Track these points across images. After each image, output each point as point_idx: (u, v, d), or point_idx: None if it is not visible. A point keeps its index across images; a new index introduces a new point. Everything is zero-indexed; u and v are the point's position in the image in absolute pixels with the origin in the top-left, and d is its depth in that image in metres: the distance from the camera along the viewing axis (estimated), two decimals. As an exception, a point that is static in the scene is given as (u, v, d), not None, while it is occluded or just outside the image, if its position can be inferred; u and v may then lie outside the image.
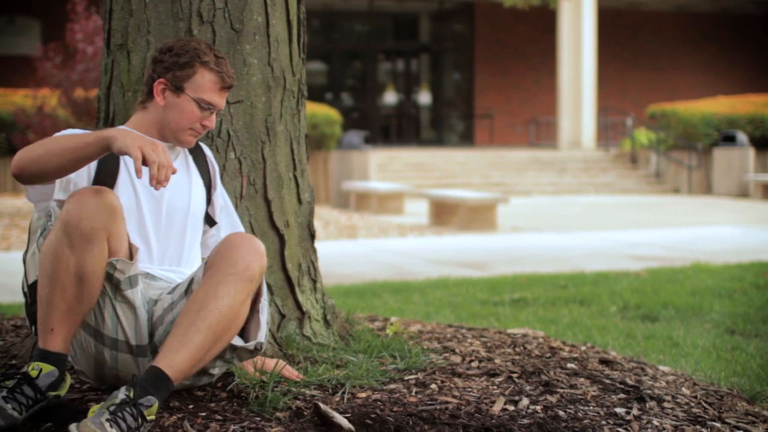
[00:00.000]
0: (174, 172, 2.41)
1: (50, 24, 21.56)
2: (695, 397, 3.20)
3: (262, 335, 2.70)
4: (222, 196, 3.00)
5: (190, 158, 2.87)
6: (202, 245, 2.97)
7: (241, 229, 3.05)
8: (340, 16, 28.60)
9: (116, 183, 2.68)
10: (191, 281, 2.63)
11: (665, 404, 3.03)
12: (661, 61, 29.21)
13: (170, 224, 2.76)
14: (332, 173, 17.17)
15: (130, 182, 2.71)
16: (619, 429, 2.73)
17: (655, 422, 2.82)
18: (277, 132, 3.35)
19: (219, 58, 2.70)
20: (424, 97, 29.30)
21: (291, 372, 2.96)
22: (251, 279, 2.57)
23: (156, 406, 2.37)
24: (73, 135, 2.49)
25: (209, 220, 2.95)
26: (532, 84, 28.08)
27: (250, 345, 2.67)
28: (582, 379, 3.20)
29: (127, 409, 2.29)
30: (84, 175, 2.63)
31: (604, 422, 2.77)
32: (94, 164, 2.64)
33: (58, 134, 2.52)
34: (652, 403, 3.00)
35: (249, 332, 2.69)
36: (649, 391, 3.10)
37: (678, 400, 3.10)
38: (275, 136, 3.34)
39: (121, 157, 2.68)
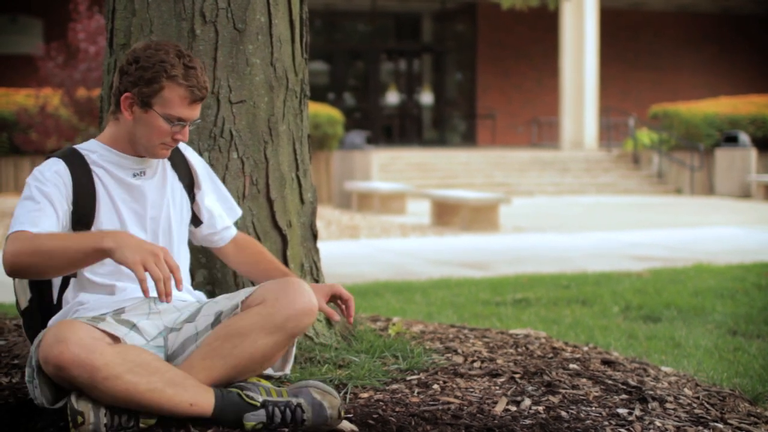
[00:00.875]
0: (178, 272, 2.31)
1: (52, 23, 21.58)
2: (697, 397, 3.20)
3: (290, 367, 2.71)
4: (213, 191, 2.88)
5: (167, 163, 2.71)
6: (202, 240, 2.91)
7: (237, 212, 2.94)
8: (342, 16, 28.61)
9: (97, 208, 2.57)
10: (219, 314, 2.54)
11: (667, 405, 3.03)
12: (663, 62, 29.21)
13: (157, 237, 2.67)
14: (334, 173, 17.18)
15: (110, 203, 2.58)
16: (621, 430, 2.73)
17: (657, 423, 2.82)
18: (279, 132, 3.35)
19: (189, 68, 2.48)
20: (427, 98, 29.31)
21: None
22: (296, 335, 2.54)
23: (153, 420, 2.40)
24: (66, 239, 2.36)
25: (195, 220, 2.82)
26: (534, 84, 28.08)
27: (276, 375, 2.68)
28: (584, 380, 3.20)
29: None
30: (64, 201, 2.50)
31: (606, 423, 2.77)
32: (70, 188, 2.51)
33: (43, 232, 2.37)
34: (655, 404, 3.00)
35: (277, 363, 2.68)
36: (651, 392, 3.10)
37: (680, 401, 3.10)
38: (278, 136, 3.34)
39: (94, 174, 2.57)
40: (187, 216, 2.81)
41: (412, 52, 29.50)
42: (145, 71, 2.45)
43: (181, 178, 2.77)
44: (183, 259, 2.79)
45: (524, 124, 27.68)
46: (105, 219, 2.57)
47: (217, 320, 2.53)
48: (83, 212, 2.55)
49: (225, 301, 2.59)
